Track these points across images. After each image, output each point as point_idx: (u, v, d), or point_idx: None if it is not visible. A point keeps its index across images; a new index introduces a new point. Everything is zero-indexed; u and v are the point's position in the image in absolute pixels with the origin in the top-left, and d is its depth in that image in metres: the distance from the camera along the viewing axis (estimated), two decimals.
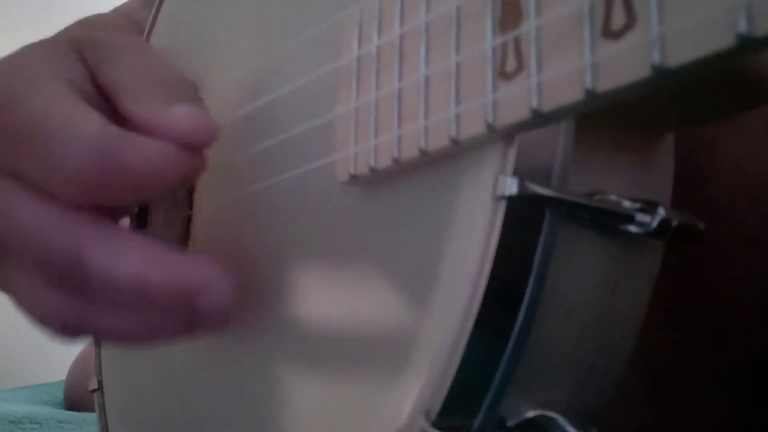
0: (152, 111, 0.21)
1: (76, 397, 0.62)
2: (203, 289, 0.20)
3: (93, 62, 0.22)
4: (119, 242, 0.21)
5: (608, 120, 0.17)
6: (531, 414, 0.17)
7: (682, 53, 0.12)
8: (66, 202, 0.21)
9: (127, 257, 0.20)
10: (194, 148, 0.21)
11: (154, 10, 0.34)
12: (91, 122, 0.20)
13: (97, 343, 0.34)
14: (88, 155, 0.20)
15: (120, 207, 0.23)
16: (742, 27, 0.11)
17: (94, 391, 0.33)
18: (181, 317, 0.21)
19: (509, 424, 0.17)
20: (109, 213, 0.22)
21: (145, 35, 0.34)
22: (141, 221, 0.30)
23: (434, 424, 0.17)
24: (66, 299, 0.21)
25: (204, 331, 0.22)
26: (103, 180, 0.20)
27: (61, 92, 0.21)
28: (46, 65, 0.22)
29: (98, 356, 0.34)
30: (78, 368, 0.65)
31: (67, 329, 0.22)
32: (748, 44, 0.11)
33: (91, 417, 0.55)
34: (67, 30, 0.23)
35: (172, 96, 0.21)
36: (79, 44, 0.23)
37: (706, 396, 0.25)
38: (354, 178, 0.20)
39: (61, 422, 0.54)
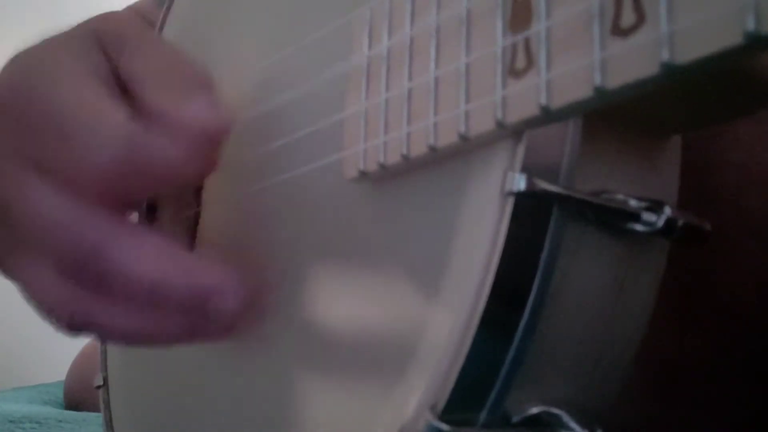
0: (171, 104, 0.21)
1: (76, 397, 0.62)
2: (217, 293, 0.21)
3: (114, 54, 0.23)
4: (139, 241, 0.21)
5: (616, 120, 0.18)
6: (536, 410, 0.17)
7: (690, 51, 0.12)
8: (85, 194, 0.21)
9: (145, 256, 0.21)
10: (210, 141, 0.21)
11: (164, 9, 0.34)
12: (119, 118, 0.20)
13: (102, 341, 0.34)
14: (116, 151, 0.20)
15: (132, 202, 0.23)
16: (751, 25, 0.12)
17: (99, 387, 0.33)
18: (187, 320, 0.21)
19: (514, 419, 0.17)
20: (122, 207, 0.22)
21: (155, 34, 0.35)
22: (150, 217, 0.30)
23: (440, 418, 0.17)
24: (76, 293, 0.21)
25: (205, 338, 0.22)
26: (126, 175, 0.20)
27: (87, 84, 0.21)
28: (69, 56, 0.22)
29: (103, 352, 0.34)
30: (78, 368, 0.65)
31: (73, 323, 0.22)
32: (756, 42, 0.12)
33: (91, 416, 0.55)
34: (86, 23, 0.24)
35: (189, 90, 0.21)
36: (100, 36, 0.23)
37: (712, 389, 0.25)
38: (363, 175, 0.20)
39: (60, 421, 0.54)
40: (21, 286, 0.22)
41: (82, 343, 0.66)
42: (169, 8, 0.34)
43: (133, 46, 0.23)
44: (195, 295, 0.21)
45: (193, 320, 0.21)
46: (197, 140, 0.21)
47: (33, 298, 0.22)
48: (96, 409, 0.54)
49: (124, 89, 0.22)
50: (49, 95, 0.21)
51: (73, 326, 0.22)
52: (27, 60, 0.23)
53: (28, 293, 0.22)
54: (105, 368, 0.34)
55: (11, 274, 0.23)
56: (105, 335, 0.22)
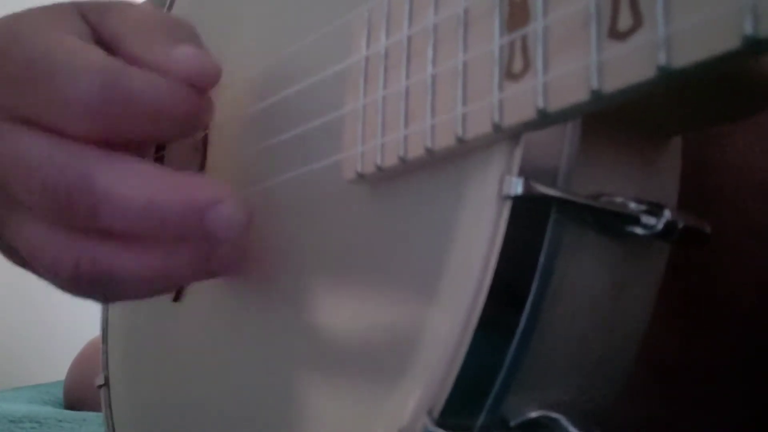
0: (155, 52, 0.21)
1: (76, 397, 0.62)
2: (213, 203, 0.20)
3: (95, 21, 0.22)
4: (127, 166, 0.20)
5: (615, 122, 0.17)
6: (534, 414, 0.17)
7: (687, 54, 0.12)
8: (68, 135, 0.20)
9: (135, 179, 0.20)
10: (198, 87, 0.21)
11: (165, 9, 0.34)
12: (95, 54, 0.20)
13: (105, 339, 0.34)
14: (94, 84, 0.20)
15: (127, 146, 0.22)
16: (749, 29, 0.11)
17: (100, 386, 0.33)
18: (195, 248, 0.21)
19: (512, 423, 0.17)
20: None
21: None
22: None
23: (437, 423, 0.17)
24: (75, 238, 0.21)
25: (219, 267, 0.21)
26: (109, 109, 0.20)
27: (63, 33, 0.21)
28: (49, 20, 0.22)
29: (105, 352, 0.34)
30: (78, 368, 0.66)
31: (79, 273, 0.21)
32: (754, 46, 0.12)
33: (91, 416, 0.55)
34: None
35: (173, 38, 0.21)
36: (82, 7, 0.23)
37: (713, 389, 0.25)
38: (361, 177, 0.20)
39: (60, 421, 0.54)
40: (21, 247, 0.22)
41: (82, 343, 0.66)
42: (170, 8, 0.34)
43: (114, 10, 0.23)
44: (190, 210, 0.20)
45: (200, 246, 0.21)
46: (182, 78, 0.20)
47: (35, 257, 0.21)
48: (96, 409, 0.54)
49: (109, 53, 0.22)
50: (24, 45, 0.21)
51: (81, 278, 0.21)
52: (5, 21, 0.23)
53: (29, 254, 0.21)
54: (106, 367, 0.34)
55: (10, 239, 0.22)
56: (115, 283, 0.21)
